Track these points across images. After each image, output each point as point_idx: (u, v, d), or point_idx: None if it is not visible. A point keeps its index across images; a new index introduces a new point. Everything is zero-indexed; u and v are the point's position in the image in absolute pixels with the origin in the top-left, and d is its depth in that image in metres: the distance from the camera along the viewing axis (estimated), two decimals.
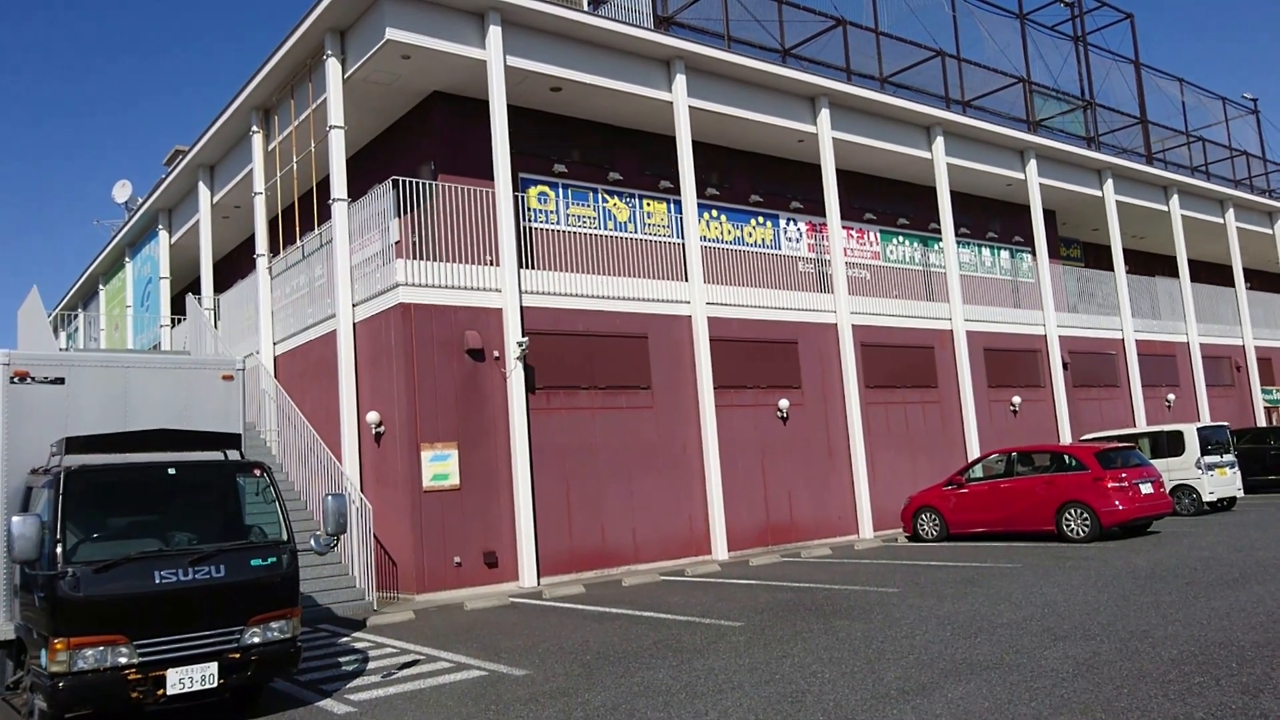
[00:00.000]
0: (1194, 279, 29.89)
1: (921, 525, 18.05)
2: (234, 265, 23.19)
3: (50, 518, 7.01)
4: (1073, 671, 7.08)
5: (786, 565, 15.69)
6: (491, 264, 15.70)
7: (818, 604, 11.19)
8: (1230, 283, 31.81)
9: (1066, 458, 16.72)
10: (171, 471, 7.81)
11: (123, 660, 6.86)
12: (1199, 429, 20.08)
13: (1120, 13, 29.83)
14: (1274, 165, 36.29)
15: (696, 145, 18.42)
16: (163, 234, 24.25)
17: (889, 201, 23.49)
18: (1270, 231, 33.27)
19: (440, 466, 14.47)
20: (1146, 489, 16.08)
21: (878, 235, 23.02)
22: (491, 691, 7.91)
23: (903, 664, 7.74)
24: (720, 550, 17.01)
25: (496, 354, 15.28)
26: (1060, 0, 28.19)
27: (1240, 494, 20.42)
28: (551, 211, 17.70)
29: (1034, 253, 25.29)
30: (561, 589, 14.06)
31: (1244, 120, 35.69)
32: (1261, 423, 30.01)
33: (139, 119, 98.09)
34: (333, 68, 15.95)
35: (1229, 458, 20.12)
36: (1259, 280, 35.14)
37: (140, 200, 25.70)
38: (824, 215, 20.65)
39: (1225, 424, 21.65)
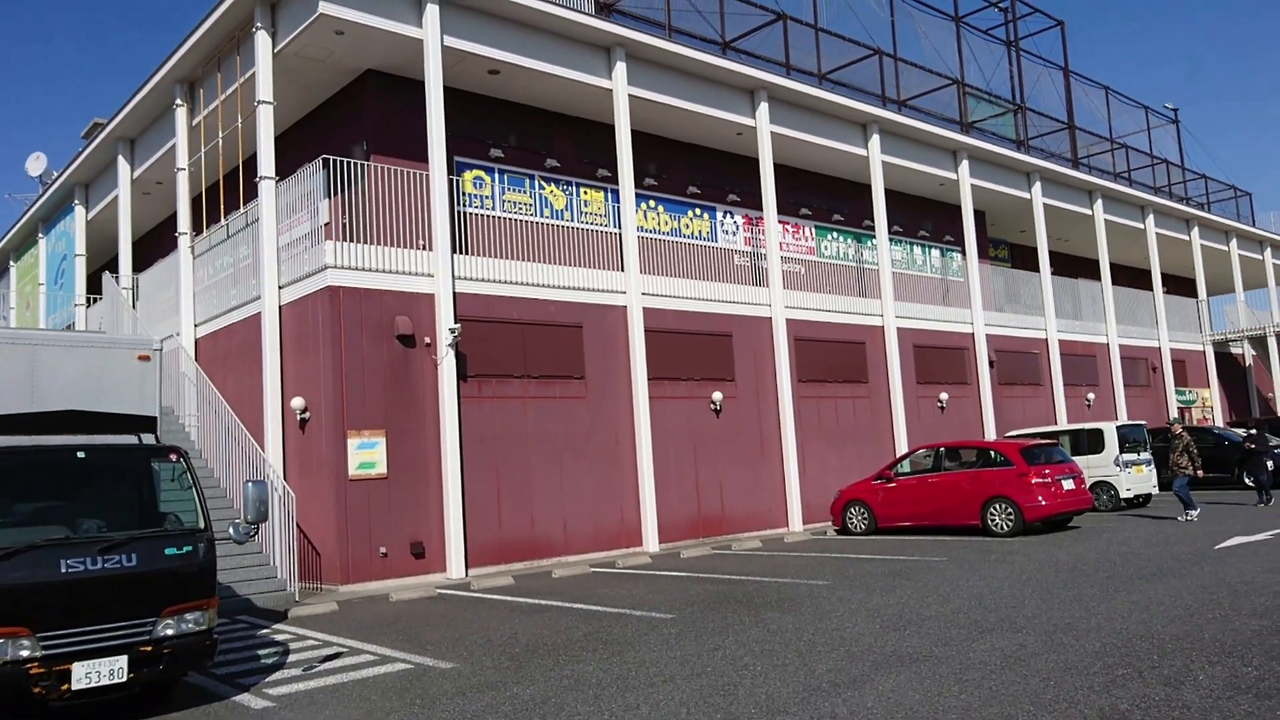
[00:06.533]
0: (1114, 282, 30.71)
1: (850, 519, 18.23)
2: (154, 244, 22.40)
3: None
4: (1000, 664, 7.14)
5: (717, 557, 15.70)
6: (424, 248, 15.37)
7: (749, 596, 11.18)
8: (1148, 287, 32.80)
9: (992, 453, 17.02)
10: (81, 455, 7.44)
11: (24, 653, 6.50)
12: (1118, 427, 20.62)
13: (1052, 20, 30.54)
14: (1192, 174, 37.56)
15: (635, 134, 18.29)
16: (79, 209, 23.31)
17: (824, 197, 23.66)
18: (1187, 238, 34.36)
19: (367, 454, 14.13)
20: (1068, 485, 16.46)
21: (813, 230, 23.17)
22: (417, 685, 7.71)
23: (834, 656, 7.74)
24: (651, 542, 16.96)
25: (428, 340, 14.98)
26: (994, 5, 28.75)
27: (1156, 491, 21.03)
28: (487, 197, 17.42)
29: (964, 252, 25.74)
30: (490, 580, 13.85)
31: (1165, 130, 36.86)
32: None
33: (56, 92, 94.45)
34: (262, 41, 15.43)
35: (1146, 455, 20.69)
36: (1175, 285, 36.31)
37: (55, 174, 24.65)
38: (761, 209, 20.70)
39: (1143, 423, 22.29)
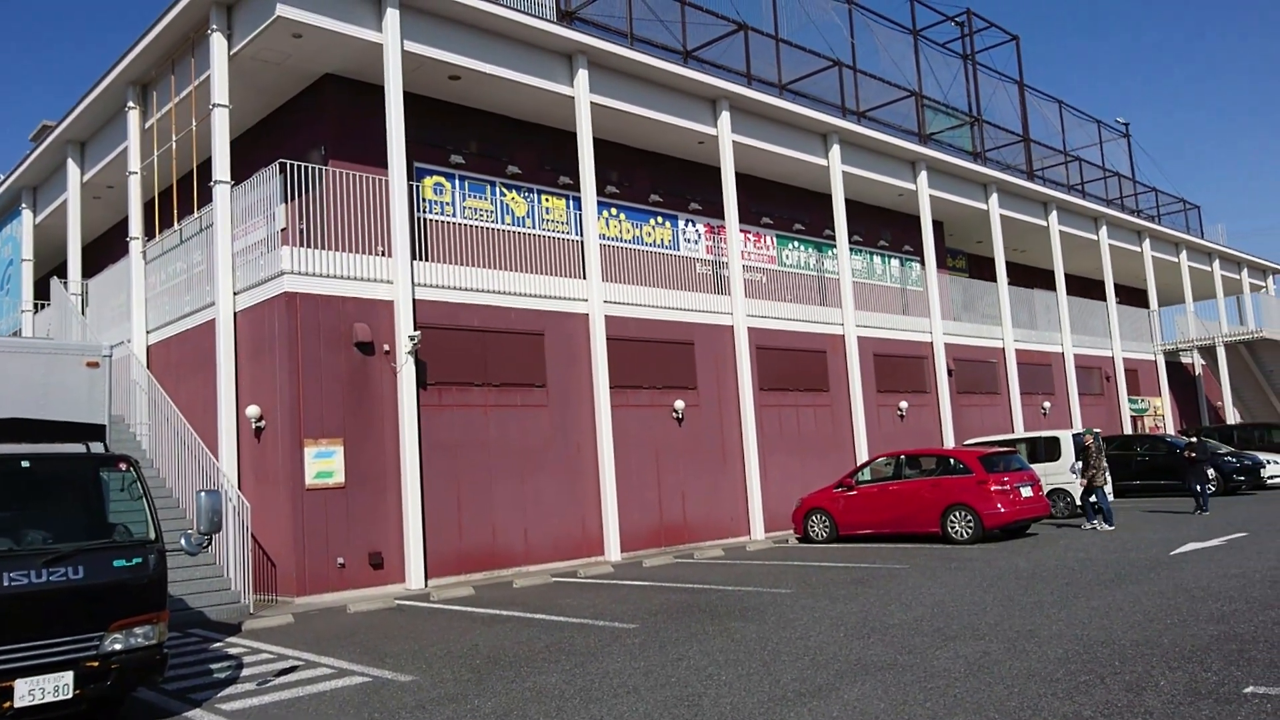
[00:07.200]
0: (1068, 292, 31.21)
1: (812, 527, 18.25)
2: (105, 249, 21.91)
3: None
4: (964, 671, 7.14)
5: (680, 566, 15.63)
6: (383, 255, 15.18)
7: (712, 605, 11.12)
8: (1101, 297, 33.38)
9: (952, 461, 17.14)
10: (26, 464, 7.19)
11: None
12: (1074, 435, 20.87)
13: (1007, 34, 31.02)
14: (1143, 186, 38.33)
15: (597, 142, 18.24)
16: (26, 213, 22.76)
17: (786, 207, 23.77)
18: (1138, 249, 35.03)
19: (324, 464, 13.90)
20: (1027, 492, 16.62)
21: (774, 240, 23.26)
22: (375, 698, 7.54)
23: (798, 665, 7.69)
24: (613, 551, 16.85)
25: (387, 348, 14.77)
26: (951, 19, 29.12)
27: (1111, 498, 21.24)
28: (447, 203, 17.25)
29: (923, 262, 25.99)
30: (450, 591, 13.66)
31: (1116, 143, 37.59)
32: (1128, 430, 31.54)
33: (2, 94, 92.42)
34: (218, 43, 15.16)
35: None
36: (1127, 296, 36.99)
37: (2, 177, 24.05)
38: (722, 217, 20.73)
39: (1098, 430, 22.58)
